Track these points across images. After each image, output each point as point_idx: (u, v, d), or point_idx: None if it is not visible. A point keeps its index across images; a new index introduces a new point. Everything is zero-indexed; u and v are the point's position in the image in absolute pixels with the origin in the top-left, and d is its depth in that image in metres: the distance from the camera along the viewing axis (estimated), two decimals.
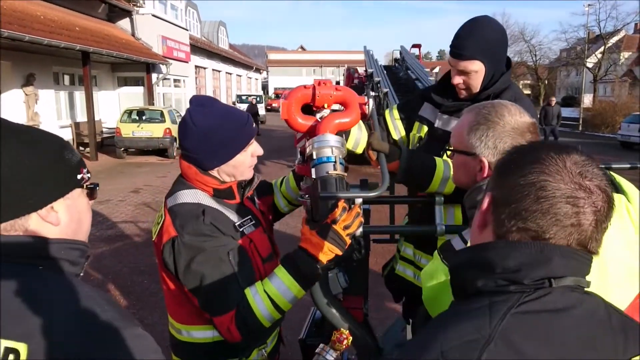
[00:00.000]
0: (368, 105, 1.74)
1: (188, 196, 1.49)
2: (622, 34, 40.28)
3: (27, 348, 0.73)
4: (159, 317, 4.13)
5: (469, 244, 1.17)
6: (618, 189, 1.10)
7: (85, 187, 0.95)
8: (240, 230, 1.51)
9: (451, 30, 1.87)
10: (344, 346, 1.49)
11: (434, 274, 1.26)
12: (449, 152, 1.41)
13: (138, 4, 17.74)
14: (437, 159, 1.76)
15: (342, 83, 15.10)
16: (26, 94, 12.56)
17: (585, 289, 0.76)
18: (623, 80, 35.97)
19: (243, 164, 1.53)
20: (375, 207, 2.10)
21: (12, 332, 0.74)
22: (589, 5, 32.88)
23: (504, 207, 0.77)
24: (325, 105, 1.71)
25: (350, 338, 1.51)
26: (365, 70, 13.66)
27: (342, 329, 1.53)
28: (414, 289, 1.98)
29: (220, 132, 1.46)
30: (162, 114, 14.63)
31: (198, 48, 24.85)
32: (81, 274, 0.92)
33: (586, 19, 36.58)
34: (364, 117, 1.78)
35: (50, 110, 13.95)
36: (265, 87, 54.36)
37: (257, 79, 45.29)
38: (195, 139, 1.46)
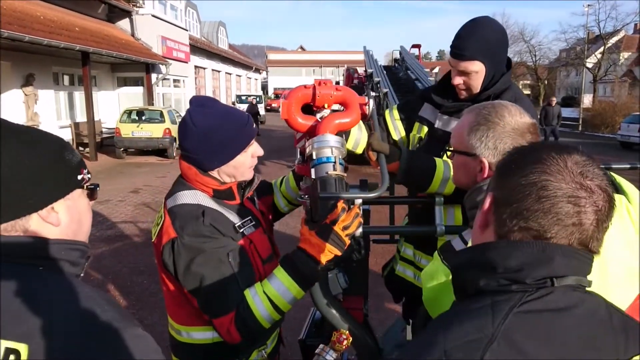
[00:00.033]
0: (368, 105, 1.74)
1: (188, 197, 1.49)
2: (621, 34, 40.30)
3: (28, 348, 0.73)
4: (158, 317, 4.13)
5: (469, 245, 1.17)
6: (618, 190, 1.10)
7: (85, 187, 0.95)
8: (240, 231, 1.51)
9: (451, 31, 1.88)
10: (344, 347, 1.49)
11: (434, 275, 1.26)
12: (449, 153, 1.40)
13: (138, 5, 17.75)
14: (437, 159, 1.76)
15: (341, 83, 15.09)
16: (26, 94, 12.56)
17: (587, 289, 0.76)
18: (623, 80, 35.98)
19: (243, 164, 1.53)
20: (375, 208, 2.10)
21: (13, 332, 0.74)
22: (588, 5, 32.95)
23: (505, 206, 0.77)
24: (326, 105, 1.71)
25: (350, 338, 1.51)
26: (365, 71, 13.68)
27: (342, 330, 1.53)
28: (414, 289, 1.98)
29: (221, 133, 1.46)
30: (161, 114, 14.63)
31: (198, 48, 24.86)
32: (81, 275, 0.92)
33: (586, 19, 36.54)
34: (364, 118, 1.78)
35: (50, 110, 13.95)
36: (264, 88, 54.39)
37: (256, 79, 45.31)
38: (195, 140, 1.46)
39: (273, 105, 36.78)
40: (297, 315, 2.20)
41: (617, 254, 1.00)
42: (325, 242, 1.39)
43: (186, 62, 22.01)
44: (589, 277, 0.77)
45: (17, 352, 0.73)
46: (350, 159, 1.78)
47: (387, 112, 2.19)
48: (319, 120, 1.70)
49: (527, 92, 41.29)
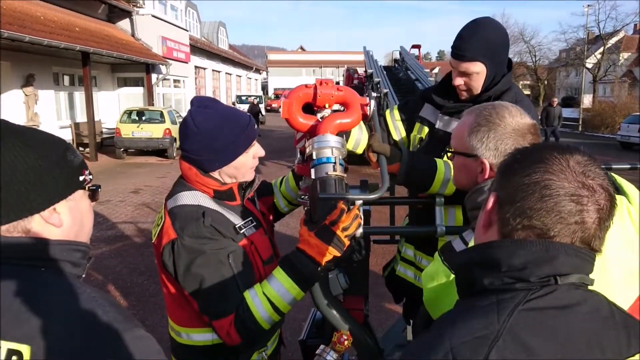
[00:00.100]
0: (369, 106, 1.74)
1: (188, 198, 1.48)
2: (621, 34, 40.29)
3: (30, 350, 0.73)
4: (159, 318, 4.13)
5: (470, 245, 1.17)
6: (619, 191, 1.11)
7: (87, 188, 0.95)
8: (241, 232, 1.50)
9: (451, 31, 1.89)
10: (345, 347, 1.49)
11: (435, 276, 1.26)
12: (449, 154, 1.40)
13: (138, 5, 17.75)
14: (438, 160, 1.76)
15: (341, 83, 15.10)
16: (26, 95, 12.56)
17: (589, 287, 0.77)
18: (622, 80, 35.97)
19: (245, 165, 1.53)
20: (376, 208, 2.10)
21: (15, 334, 0.74)
22: (588, 5, 32.98)
23: (508, 206, 0.78)
24: (327, 105, 1.71)
25: (351, 339, 1.51)
26: (365, 71, 13.66)
27: (342, 330, 1.53)
28: (415, 290, 1.98)
29: (222, 134, 1.45)
30: (161, 115, 14.64)
31: (198, 48, 24.87)
32: (83, 276, 0.92)
33: (586, 20, 36.59)
34: (365, 118, 1.78)
35: (50, 110, 13.96)
36: (264, 88, 54.42)
37: (256, 80, 45.31)
38: (196, 141, 1.45)
39: (273, 105, 36.75)
40: (298, 316, 2.20)
41: (618, 255, 1.01)
42: (324, 243, 1.38)
43: (186, 63, 22.02)
44: (590, 277, 0.78)
45: (19, 354, 0.73)
46: (351, 159, 1.77)
47: (387, 112, 2.19)
48: (320, 120, 1.70)
49: (527, 92, 41.22)
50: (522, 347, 0.67)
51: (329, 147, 1.59)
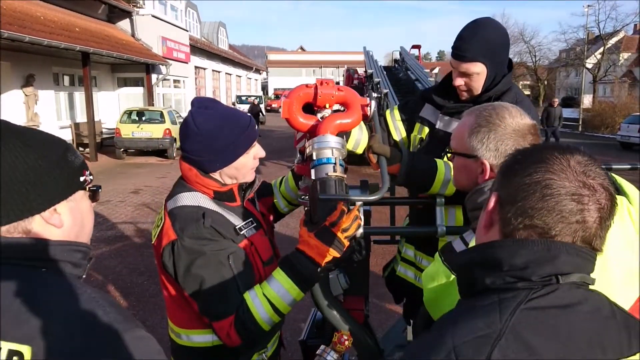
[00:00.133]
0: (370, 106, 1.74)
1: (188, 199, 1.48)
2: (621, 34, 40.30)
3: (31, 350, 0.73)
4: (159, 319, 4.12)
5: (470, 245, 1.17)
6: (619, 191, 1.11)
7: (87, 189, 0.95)
8: (241, 233, 1.50)
9: (451, 31, 1.90)
10: (345, 347, 1.49)
11: (435, 276, 1.26)
12: (449, 155, 1.40)
13: (138, 5, 17.76)
14: (439, 161, 1.76)
15: (341, 84, 15.09)
16: (26, 95, 12.56)
17: (590, 287, 0.77)
18: (622, 81, 35.97)
19: (245, 166, 1.52)
20: (376, 208, 2.10)
21: (15, 334, 0.74)
22: (588, 6, 33.03)
23: (510, 205, 0.79)
24: (327, 105, 1.71)
25: (351, 339, 1.51)
26: (365, 71, 13.66)
27: (342, 330, 1.54)
28: (415, 290, 1.98)
29: (223, 135, 1.45)
30: (161, 115, 14.64)
31: (198, 49, 24.88)
32: (83, 276, 0.92)
33: (585, 20, 36.67)
34: (366, 119, 1.78)
35: (50, 110, 13.96)
36: (264, 88, 54.44)
37: (256, 80, 45.32)
38: (197, 142, 1.45)
39: (273, 105, 36.75)
40: (298, 316, 2.20)
41: (618, 255, 1.01)
42: (324, 244, 1.38)
43: (186, 63, 22.02)
44: (592, 276, 0.78)
45: (20, 354, 0.73)
46: (351, 159, 1.77)
47: (387, 112, 2.18)
48: (320, 120, 1.70)
49: (527, 92, 41.16)
50: (524, 346, 0.67)
51: (329, 147, 1.59)
